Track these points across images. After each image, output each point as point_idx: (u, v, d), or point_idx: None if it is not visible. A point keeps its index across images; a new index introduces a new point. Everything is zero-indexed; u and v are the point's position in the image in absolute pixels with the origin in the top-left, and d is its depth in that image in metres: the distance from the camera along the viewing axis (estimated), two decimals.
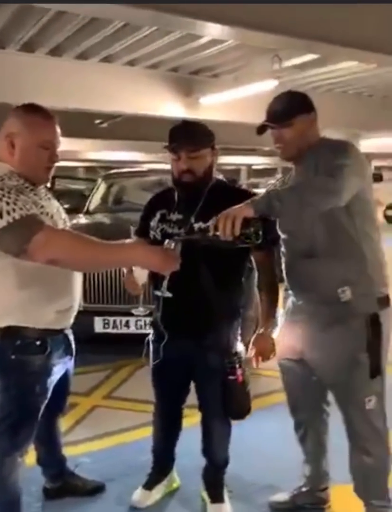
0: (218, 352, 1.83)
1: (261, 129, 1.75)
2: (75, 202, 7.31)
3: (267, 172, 18.84)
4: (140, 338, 2.02)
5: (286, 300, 1.90)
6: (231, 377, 1.82)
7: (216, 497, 2.04)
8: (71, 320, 1.77)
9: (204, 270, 1.77)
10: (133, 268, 1.79)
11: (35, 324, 1.63)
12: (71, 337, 1.82)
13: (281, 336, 1.88)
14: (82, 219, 4.58)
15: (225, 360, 1.82)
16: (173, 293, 1.75)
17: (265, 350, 1.89)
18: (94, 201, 5.03)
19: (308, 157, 1.70)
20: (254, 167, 19.38)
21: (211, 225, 1.47)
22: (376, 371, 1.67)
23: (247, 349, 1.92)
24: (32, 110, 1.66)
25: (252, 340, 1.93)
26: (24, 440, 1.70)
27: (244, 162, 17.76)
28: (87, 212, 4.80)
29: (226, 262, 1.80)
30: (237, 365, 1.82)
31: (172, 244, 1.50)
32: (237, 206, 1.47)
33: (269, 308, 1.92)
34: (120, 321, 3.27)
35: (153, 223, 1.91)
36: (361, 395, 1.70)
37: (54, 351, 1.69)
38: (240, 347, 1.90)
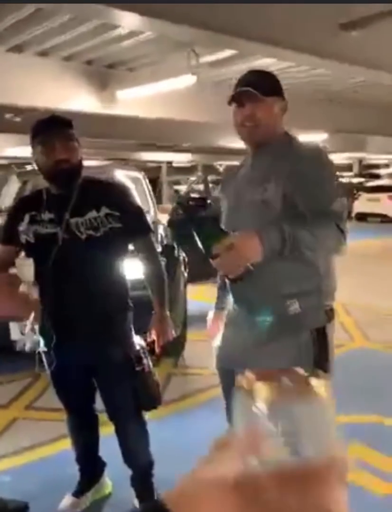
0: (118, 347, 1.82)
1: (237, 97, 1.53)
2: None
3: (188, 169, 18.99)
4: None
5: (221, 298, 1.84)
6: (138, 368, 1.83)
7: (147, 504, 1.97)
8: None
9: (87, 268, 1.76)
10: (17, 262, 1.70)
11: None
12: None
13: (219, 342, 1.77)
14: None
15: (128, 352, 1.82)
16: (60, 295, 1.76)
17: (163, 332, 1.91)
18: (7, 199, 4.73)
19: (271, 150, 1.54)
20: (174, 164, 19.44)
21: (219, 248, 1.31)
22: None
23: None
24: None
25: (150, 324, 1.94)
26: None
27: (164, 159, 17.75)
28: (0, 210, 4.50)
29: (111, 254, 1.81)
30: (142, 355, 1.84)
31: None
32: (251, 241, 1.33)
33: (159, 294, 1.94)
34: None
35: (22, 227, 1.85)
36: None
37: None
38: (137, 338, 1.90)
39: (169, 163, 19.08)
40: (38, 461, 2.45)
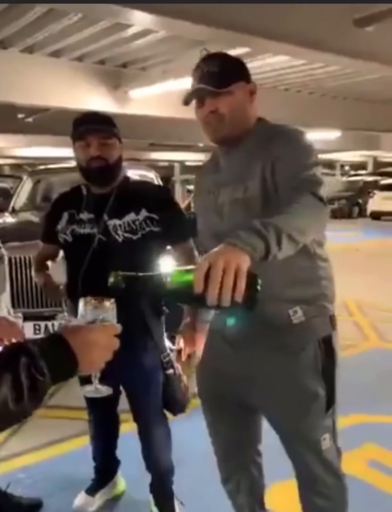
0: (150, 351, 1.79)
1: (190, 97, 1.36)
2: (1, 201, 6.92)
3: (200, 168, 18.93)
4: None
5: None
6: (169, 372, 1.79)
7: (167, 510, 1.95)
8: None
9: (121, 266, 1.70)
10: (50, 266, 1.68)
11: None
12: None
13: (205, 365, 1.55)
14: (8, 218, 4.32)
15: (160, 356, 1.79)
16: (93, 293, 1.69)
17: (193, 341, 1.81)
18: (20, 199, 4.77)
19: (248, 142, 1.37)
20: (187, 163, 19.43)
21: (197, 279, 0.92)
22: (331, 402, 1.39)
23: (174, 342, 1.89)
24: None
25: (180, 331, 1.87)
26: None
27: (177, 158, 17.76)
28: (13, 211, 4.54)
29: (148, 259, 1.75)
30: (172, 359, 1.81)
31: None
32: (223, 250, 0.96)
33: None
34: (53, 325, 3.09)
35: (60, 225, 1.81)
36: (316, 435, 1.39)
37: None
38: (167, 342, 1.87)
39: (182, 162, 19.09)
40: (53, 459, 2.46)
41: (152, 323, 1.78)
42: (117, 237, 1.72)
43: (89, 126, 1.70)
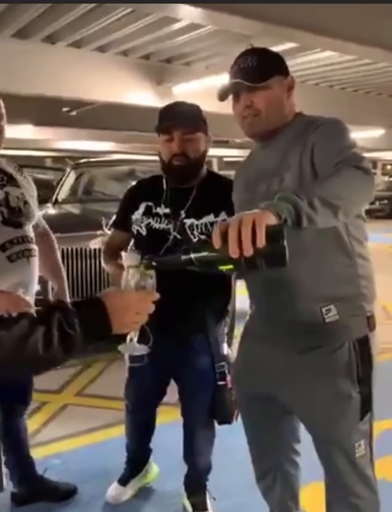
0: (206, 355, 1.74)
1: (226, 92, 1.35)
2: (44, 192, 7.06)
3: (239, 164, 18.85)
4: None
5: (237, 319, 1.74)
6: (221, 383, 1.74)
7: (199, 505, 1.95)
8: None
9: (192, 272, 1.66)
10: (123, 255, 1.66)
11: None
12: None
13: (239, 365, 1.57)
14: (50, 210, 4.42)
15: (215, 365, 1.74)
16: (160, 292, 1.66)
17: None
18: (63, 191, 4.87)
19: (285, 134, 1.34)
20: (225, 159, 19.36)
21: (214, 236, 0.93)
22: (367, 407, 1.33)
23: None
24: None
25: None
26: None
27: (215, 154, 17.70)
28: (56, 202, 4.64)
29: None
30: (226, 370, 1.74)
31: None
32: (247, 212, 0.94)
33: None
34: None
35: (136, 216, 1.74)
36: (350, 440, 1.34)
37: None
38: (226, 349, 1.80)
39: (220, 157, 19.04)
40: (88, 447, 2.50)
41: (210, 324, 1.73)
42: (193, 237, 1.66)
43: (174, 122, 1.64)
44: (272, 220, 0.93)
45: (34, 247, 1.69)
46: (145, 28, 5.10)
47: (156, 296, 1.01)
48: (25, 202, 1.69)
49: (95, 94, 6.47)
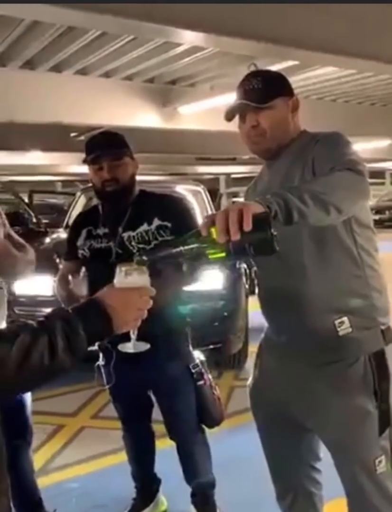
0: (178, 361, 1.79)
1: (232, 112, 1.41)
2: (55, 217, 7.18)
3: (246, 181, 18.94)
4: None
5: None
6: (200, 383, 1.79)
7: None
8: None
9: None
10: (71, 281, 1.74)
11: None
12: None
13: (257, 383, 1.54)
14: (62, 234, 4.48)
15: (189, 367, 1.79)
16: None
17: None
18: (74, 215, 4.93)
19: (289, 152, 1.38)
20: (233, 176, 19.47)
21: (202, 226, 0.97)
22: (386, 422, 1.30)
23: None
24: None
25: None
26: None
27: (222, 171, 17.83)
28: (67, 227, 4.70)
29: (160, 268, 1.75)
30: (202, 370, 1.80)
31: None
32: (237, 202, 1.00)
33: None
34: None
35: (80, 242, 1.87)
36: (370, 456, 1.31)
37: None
38: (197, 352, 1.87)
39: (228, 175, 19.14)
40: (105, 469, 2.50)
41: (173, 330, 1.78)
42: (132, 248, 1.76)
43: (99, 152, 1.76)
44: (260, 210, 0.96)
45: None
46: (149, 52, 5.22)
47: (153, 291, 1.01)
48: None
49: (102, 119, 6.59)
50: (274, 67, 5.93)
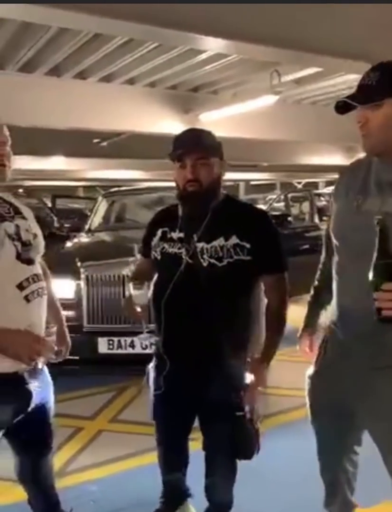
0: (224, 385, 1.65)
1: (342, 107, 1.36)
2: (76, 221, 7.27)
3: (266, 188, 18.90)
4: (145, 359, 1.92)
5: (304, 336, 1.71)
6: (239, 413, 1.66)
7: None
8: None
9: (206, 292, 1.62)
10: (131, 290, 1.68)
11: None
12: (33, 378, 1.56)
13: (318, 374, 1.58)
14: (83, 238, 4.53)
15: (232, 394, 1.65)
16: (174, 317, 1.65)
17: (260, 380, 1.70)
18: (96, 219, 4.99)
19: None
20: (252, 182, 19.44)
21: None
22: None
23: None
24: None
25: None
26: None
27: (242, 178, 17.83)
28: (89, 231, 4.75)
29: (233, 288, 1.64)
30: (245, 400, 1.66)
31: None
32: None
33: (273, 337, 1.72)
34: (125, 342, 3.17)
35: (154, 242, 1.78)
36: None
37: (0, 395, 1.45)
38: (248, 379, 1.72)
39: (247, 181, 19.13)
40: (123, 473, 2.49)
41: (227, 352, 1.66)
42: (202, 261, 1.64)
43: (185, 149, 1.65)
44: None
45: (45, 285, 1.59)
46: (172, 59, 5.27)
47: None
48: (35, 235, 1.58)
49: (125, 125, 6.67)
50: (297, 74, 5.95)
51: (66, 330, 1.84)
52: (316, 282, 1.71)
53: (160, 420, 1.89)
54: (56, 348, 1.56)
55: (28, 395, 1.56)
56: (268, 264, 1.68)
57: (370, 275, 1.15)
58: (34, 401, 1.57)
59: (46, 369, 1.66)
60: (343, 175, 1.53)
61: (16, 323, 1.44)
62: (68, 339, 1.84)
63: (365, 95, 1.31)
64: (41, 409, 1.65)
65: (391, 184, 1.33)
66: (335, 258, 1.49)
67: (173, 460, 1.99)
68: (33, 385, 1.57)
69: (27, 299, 1.47)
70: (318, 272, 1.70)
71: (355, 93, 1.33)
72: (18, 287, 1.46)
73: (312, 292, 1.71)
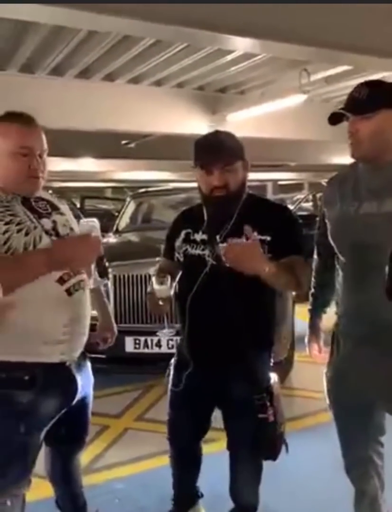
0: (247, 386, 1.65)
1: (335, 118, 1.48)
2: (104, 222, 7.31)
3: (294, 187, 18.71)
4: (171, 358, 1.93)
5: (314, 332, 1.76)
6: (261, 416, 1.63)
7: None
8: (75, 353, 1.56)
9: (231, 294, 1.62)
10: (154, 284, 1.68)
11: (24, 356, 1.44)
12: (79, 371, 1.59)
13: (337, 365, 1.62)
14: (111, 239, 4.58)
15: (254, 396, 1.64)
16: (198, 318, 1.68)
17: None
18: (123, 220, 5.04)
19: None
20: (280, 182, 19.28)
21: None
22: None
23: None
24: (6, 117, 1.53)
25: None
26: (12, 482, 1.47)
27: (270, 178, 17.70)
28: (117, 231, 4.80)
29: (256, 289, 1.63)
30: (268, 402, 1.64)
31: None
32: None
33: (292, 276, 1.66)
34: (151, 341, 3.20)
35: (177, 243, 1.78)
36: None
37: (48, 387, 1.48)
38: (272, 379, 1.72)
39: (275, 181, 18.98)
40: (149, 471, 2.51)
41: (250, 352, 1.66)
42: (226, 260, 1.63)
43: (211, 157, 1.64)
44: None
45: (86, 277, 1.61)
46: (200, 60, 5.27)
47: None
48: (71, 229, 1.62)
49: (152, 127, 6.71)
50: (326, 73, 5.86)
51: (113, 320, 1.91)
52: (312, 290, 1.78)
53: (175, 420, 1.89)
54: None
55: (75, 387, 1.57)
56: (286, 249, 1.66)
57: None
58: (79, 395, 1.59)
59: (89, 364, 1.67)
60: (332, 185, 1.62)
61: (59, 317, 1.48)
62: (115, 328, 1.88)
63: (357, 107, 1.43)
64: (83, 403, 1.66)
65: (383, 187, 1.41)
66: (340, 260, 1.55)
67: (185, 466, 1.98)
68: (79, 378, 1.58)
69: (68, 292, 1.50)
70: (313, 280, 1.77)
71: (349, 105, 1.45)
72: (59, 281, 1.48)
73: (310, 299, 1.78)
